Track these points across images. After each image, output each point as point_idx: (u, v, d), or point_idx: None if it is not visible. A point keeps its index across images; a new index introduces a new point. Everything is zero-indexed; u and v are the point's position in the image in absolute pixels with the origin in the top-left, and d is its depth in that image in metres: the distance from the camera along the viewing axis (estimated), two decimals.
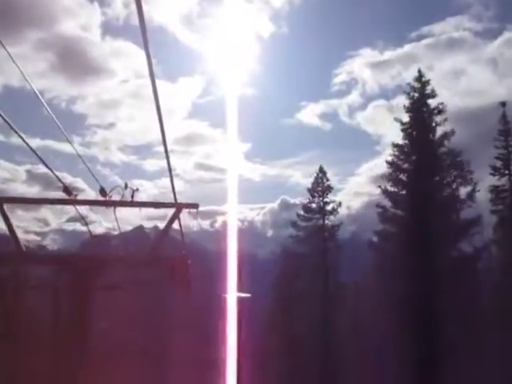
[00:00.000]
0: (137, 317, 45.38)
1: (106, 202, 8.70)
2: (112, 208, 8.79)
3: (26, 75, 5.87)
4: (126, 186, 8.53)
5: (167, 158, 6.76)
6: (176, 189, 8.67)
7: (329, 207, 41.86)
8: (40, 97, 6.38)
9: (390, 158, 34.66)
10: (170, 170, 7.41)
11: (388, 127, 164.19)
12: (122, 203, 8.64)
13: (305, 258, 41.43)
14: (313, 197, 42.50)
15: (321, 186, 42.45)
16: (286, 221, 45.28)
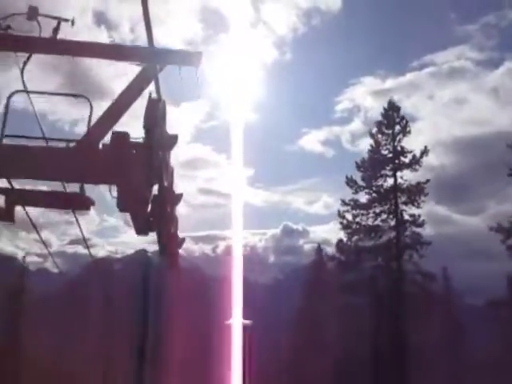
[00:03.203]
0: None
1: None
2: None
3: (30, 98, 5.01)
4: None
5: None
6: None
7: (405, 158, 26.33)
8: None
9: None
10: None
11: None
12: (35, 42, 4.58)
13: (363, 235, 25.74)
14: (378, 145, 26.91)
15: (392, 127, 26.94)
16: (287, 247, 35.63)
